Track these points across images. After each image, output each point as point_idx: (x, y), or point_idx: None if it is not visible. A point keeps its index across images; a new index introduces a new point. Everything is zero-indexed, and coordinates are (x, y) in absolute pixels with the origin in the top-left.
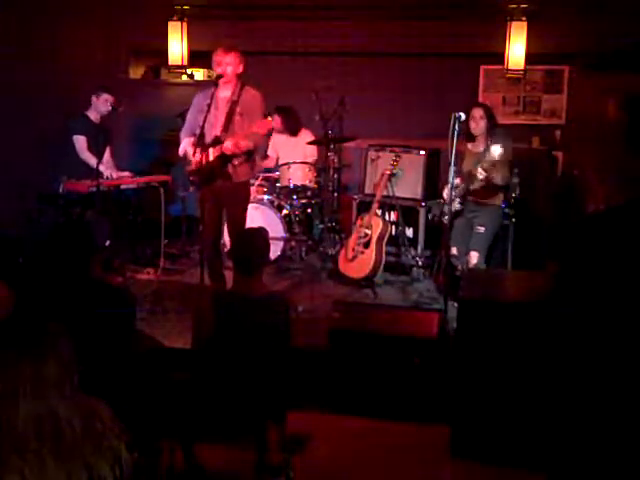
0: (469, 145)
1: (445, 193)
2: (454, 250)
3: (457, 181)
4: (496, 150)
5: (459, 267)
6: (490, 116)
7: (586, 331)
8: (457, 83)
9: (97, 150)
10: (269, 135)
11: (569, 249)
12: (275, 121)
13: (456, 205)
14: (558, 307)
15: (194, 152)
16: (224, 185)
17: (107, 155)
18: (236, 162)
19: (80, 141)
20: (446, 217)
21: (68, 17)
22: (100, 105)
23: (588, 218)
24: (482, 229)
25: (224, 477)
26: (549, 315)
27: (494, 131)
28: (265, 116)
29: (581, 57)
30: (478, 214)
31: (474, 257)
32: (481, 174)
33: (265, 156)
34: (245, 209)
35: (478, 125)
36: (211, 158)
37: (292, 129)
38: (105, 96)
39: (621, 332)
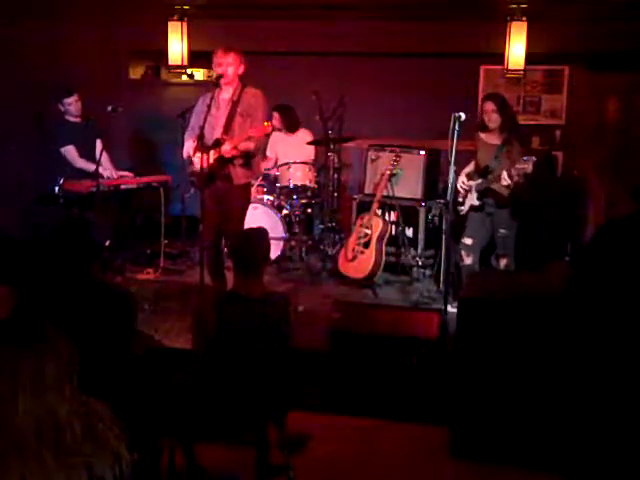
0: (482, 135)
1: (460, 184)
2: (469, 240)
3: (470, 168)
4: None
5: (466, 261)
6: (504, 109)
7: (587, 330)
8: (457, 83)
9: (89, 150)
10: (267, 136)
11: (587, 253)
12: (274, 118)
13: (474, 201)
14: (561, 307)
15: (194, 153)
16: (225, 187)
17: (104, 154)
18: (237, 163)
19: (70, 152)
20: (462, 208)
21: (68, 17)
22: (70, 108)
23: (605, 226)
24: (505, 232)
25: (224, 477)
26: (549, 314)
27: (511, 124)
28: (267, 116)
29: (581, 57)
30: (497, 213)
31: (503, 262)
32: (506, 180)
33: (264, 156)
34: (244, 212)
35: (491, 119)
36: (211, 160)
37: (290, 127)
38: (67, 100)
39: (623, 332)
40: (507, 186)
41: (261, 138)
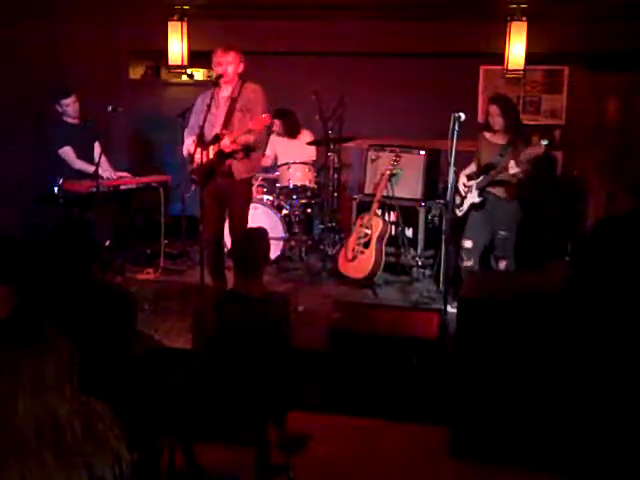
0: (487, 135)
1: (460, 185)
2: (468, 243)
3: (471, 169)
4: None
5: (466, 263)
6: (508, 111)
7: (587, 330)
8: (457, 83)
9: (87, 152)
10: (268, 132)
11: (585, 251)
12: (274, 125)
13: (475, 198)
14: (562, 307)
15: (195, 151)
16: (226, 183)
17: (99, 154)
18: (237, 157)
19: (68, 153)
20: (461, 208)
21: (68, 17)
22: (68, 109)
23: (602, 223)
24: (505, 234)
25: (224, 477)
26: (549, 315)
27: (516, 126)
28: (267, 110)
29: (581, 57)
30: (497, 211)
31: (503, 264)
32: (513, 168)
33: (264, 154)
34: (247, 207)
35: (495, 122)
36: (211, 156)
37: (291, 132)
38: (64, 101)
39: (624, 332)
40: (514, 175)
41: (261, 131)
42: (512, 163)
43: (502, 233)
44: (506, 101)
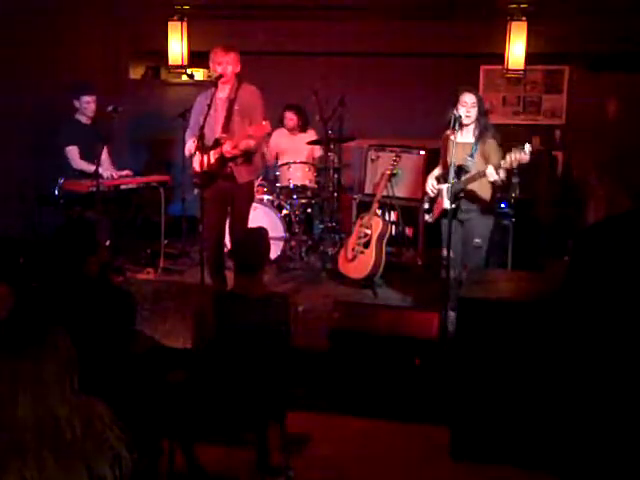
0: (451, 134)
1: (430, 187)
2: (450, 253)
3: (439, 171)
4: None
5: (453, 273)
6: (481, 104)
7: (586, 331)
8: (457, 83)
9: (93, 153)
10: (269, 135)
11: (578, 253)
12: (288, 119)
13: (446, 204)
14: (558, 307)
15: (195, 154)
16: (228, 185)
17: (104, 155)
18: (238, 161)
19: (72, 152)
20: (431, 214)
21: (68, 17)
22: (85, 107)
23: (597, 224)
24: (480, 241)
25: (224, 477)
26: (549, 315)
27: (485, 121)
28: (265, 113)
29: (581, 57)
30: (472, 216)
31: None
32: (492, 175)
33: (264, 155)
34: (249, 209)
35: (470, 113)
36: (212, 160)
37: (304, 125)
38: (85, 98)
39: (622, 332)
40: (493, 183)
41: (259, 138)
42: (491, 169)
43: (477, 241)
44: (479, 93)
